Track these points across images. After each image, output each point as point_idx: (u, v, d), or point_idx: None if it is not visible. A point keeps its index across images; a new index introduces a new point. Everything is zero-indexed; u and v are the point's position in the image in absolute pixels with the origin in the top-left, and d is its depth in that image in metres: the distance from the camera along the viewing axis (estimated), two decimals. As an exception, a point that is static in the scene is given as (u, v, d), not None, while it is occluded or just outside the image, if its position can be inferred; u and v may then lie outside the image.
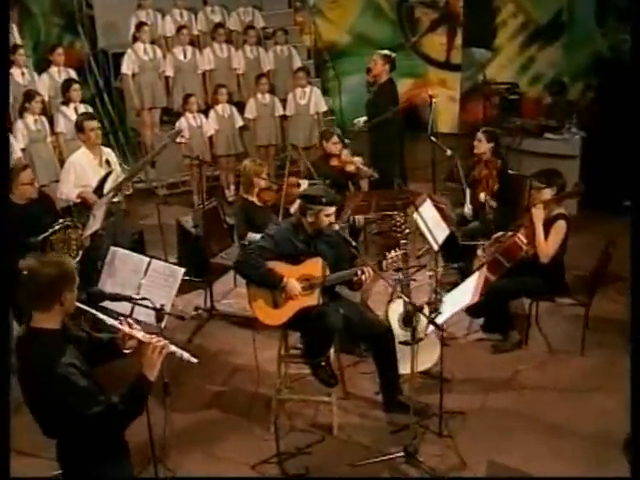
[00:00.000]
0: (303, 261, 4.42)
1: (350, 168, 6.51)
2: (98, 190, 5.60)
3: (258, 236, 5.74)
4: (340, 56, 10.95)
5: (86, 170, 5.72)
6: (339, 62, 10.81)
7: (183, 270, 3.96)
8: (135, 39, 8.68)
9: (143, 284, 3.84)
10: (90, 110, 7.78)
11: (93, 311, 2.97)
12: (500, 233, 5.60)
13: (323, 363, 4.49)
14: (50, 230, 4.67)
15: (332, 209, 4.39)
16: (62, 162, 7.57)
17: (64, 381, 2.71)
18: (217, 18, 9.46)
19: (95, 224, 5.00)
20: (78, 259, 5.08)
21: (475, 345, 5.55)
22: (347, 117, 9.78)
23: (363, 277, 4.34)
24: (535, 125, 7.89)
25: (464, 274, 6.24)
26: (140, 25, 8.62)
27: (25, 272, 2.77)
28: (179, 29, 8.87)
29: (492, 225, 6.01)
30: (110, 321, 2.95)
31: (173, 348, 2.84)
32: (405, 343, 4.78)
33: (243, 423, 4.75)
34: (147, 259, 4.00)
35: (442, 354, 4.42)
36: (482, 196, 6.13)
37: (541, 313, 5.72)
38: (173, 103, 9.01)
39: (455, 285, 6.21)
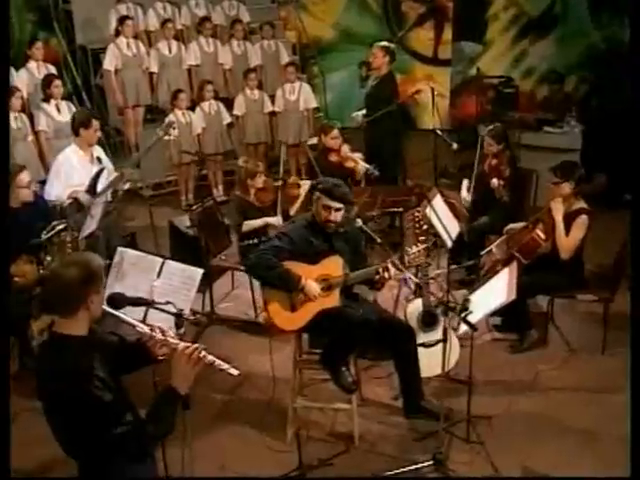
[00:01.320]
0: (320, 260, 4.15)
1: (350, 164, 6.27)
2: (90, 189, 5.28)
3: (256, 222, 5.55)
4: (325, 52, 10.70)
5: (77, 169, 5.40)
6: (324, 58, 10.55)
7: (202, 271, 3.66)
8: (118, 33, 8.31)
9: (156, 287, 3.53)
10: (72, 107, 7.46)
11: (122, 316, 2.68)
12: (511, 226, 5.41)
13: (344, 368, 4.23)
14: (55, 230, 4.32)
15: (334, 203, 4.10)
16: (43, 162, 7.27)
17: (87, 395, 2.42)
18: (201, 12, 9.14)
19: (92, 224, 4.67)
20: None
21: (492, 345, 5.32)
22: (333, 114, 9.58)
23: (386, 275, 4.08)
24: (533, 119, 7.72)
25: (473, 272, 6.08)
26: (123, 19, 8.24)
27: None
28: (164, 23, 8.52)
29: (502, 215, 5.84)
30: (141, 327, 2.66)
31: (210, 358, 2.55)
32: (423, 345, 4.56)
33: (255, 435, 4.46)
34: (160, 259, 3.68)
35: (471, 355, 4.16)
36: (494, 182, 5.92)
37: (556, 311, 5.53)
38: (158, 100, 8.66)
39: (462, 283, 6.10)
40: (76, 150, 5.44)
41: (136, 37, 8.50)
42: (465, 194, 6.11)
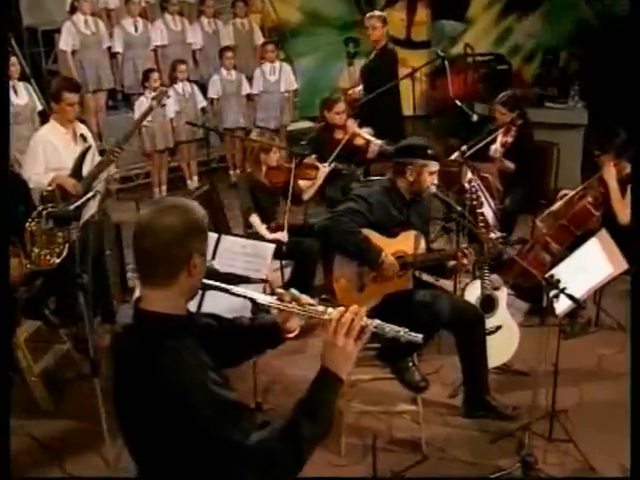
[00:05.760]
0: (397, 233, 3.54)
1: (359, 142, 5.65)
2: (75, 173, 4.47)
3: (261, 230, 4.89)
4: (292, 36, 10.05)
5: (58, 148, 4.56)
6: (291, 42, 9.90)
7: (273, 246, 2.97)
8: (74, 10, 7.45)
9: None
10: (31, 89, 6.60)
11: (232, 288, 1.98)
12: (565, 191, 4.95)
13: (410, 363, 3.61)
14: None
15: (437, 165, 3.54)
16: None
17: (205, 396, 1.68)
18: (167, -13, 8.34)
19: (93, 206, 3.92)
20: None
21: (538, 332, 4.79)
22: (302, 101, 8.99)
23: (465, 261, 3.51)
24: (534, 94, 7.30)
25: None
26: (81, -8, 7.39)
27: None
28: (129, -2, 7.71)
29: (522, 192, 5.40)
30: (263, 298, 1.98)
31: (377, 322, 1.85)
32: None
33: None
34: (214, 235, 2.95)
35: (559, 341, 3.63)
36: (492, 149, 5.43)
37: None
38: (123, 84, 7.84)
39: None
40: (55, 127, 4.60)
41: (94, 15, 7.65)
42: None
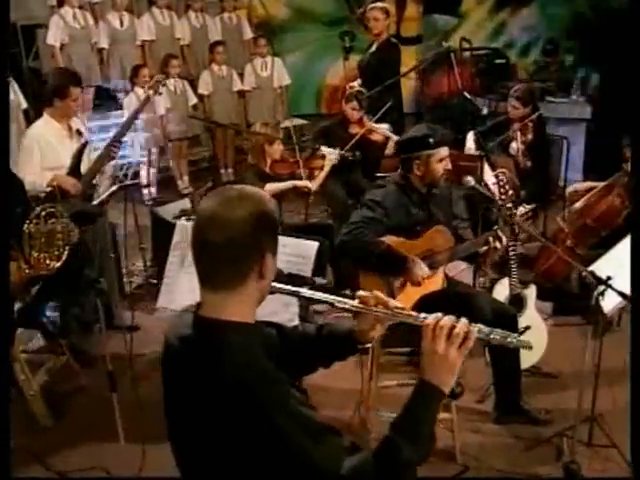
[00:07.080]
0: (421, 232, 3.33)
1: (375, 137, 5.47)
2: (74, 171, 4.19)
3: (282, 184, 4.78)
4: (278, 32, 9.81)
5: (54, 145, 4.27)
6: (277, 38, 9.66)
7: (317, 244, 2.73)
8: (61, 3, 7.13)
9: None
10: (15, 87, 6.27)
11: (304, 291, 1.74)
12: (575, 187, 4.77)
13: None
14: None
15: (445, 151, 3.34)
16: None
17: (290, 419, 1.44)
18: (154, -20, 8.04)
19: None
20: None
21: (560, 331, 4.63)
22: (291, 97, 8.76)
23: (498, 245, 3.31)
24: (537, 88, 7.14)
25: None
26: (68, -15, 7.08)
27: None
28: (115, -9, 7.41)
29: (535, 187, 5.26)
30: (344, 302, 1.73)
31: (481, 327, 1.63)
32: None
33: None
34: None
35: (601, 340, 3.43)
36: (513, 146, 5.26)
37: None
38: (109, 80, 7.53)
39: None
40: (50, 122, 4.30)
41: (81, 8, 7.34)
42: (471, 145, 5.42)
